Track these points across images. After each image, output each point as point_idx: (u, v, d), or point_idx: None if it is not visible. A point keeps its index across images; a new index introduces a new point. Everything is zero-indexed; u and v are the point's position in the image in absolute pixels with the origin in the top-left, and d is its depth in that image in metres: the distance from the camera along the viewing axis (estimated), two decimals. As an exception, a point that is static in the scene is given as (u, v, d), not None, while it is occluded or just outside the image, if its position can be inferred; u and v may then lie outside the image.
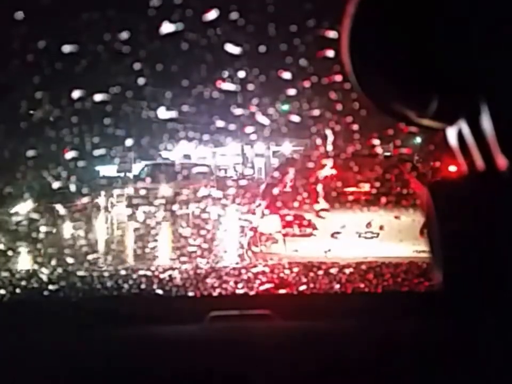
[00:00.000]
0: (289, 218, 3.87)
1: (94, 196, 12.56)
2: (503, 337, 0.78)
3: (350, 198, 3.83)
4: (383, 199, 3.61)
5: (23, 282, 1.30)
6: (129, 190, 13.67)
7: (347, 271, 1.33)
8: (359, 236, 3.19)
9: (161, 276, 1.28)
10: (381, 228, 2.87)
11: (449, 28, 0.57)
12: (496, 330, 0.77)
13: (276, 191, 4.49)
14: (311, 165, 4.66)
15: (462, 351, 0.85)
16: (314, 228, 3.71)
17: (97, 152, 11.10)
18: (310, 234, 3.72)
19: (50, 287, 1.23)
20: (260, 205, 4.42)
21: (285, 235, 3.85)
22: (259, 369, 0.81)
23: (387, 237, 3.33)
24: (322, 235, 3.52)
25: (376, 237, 3.31)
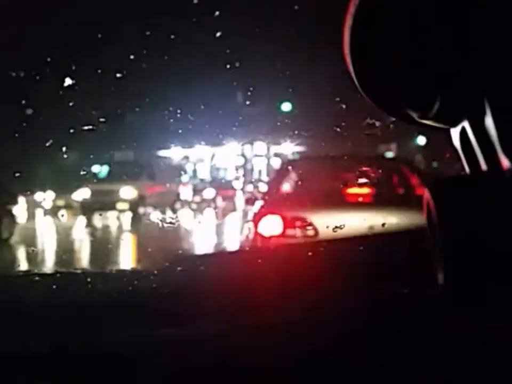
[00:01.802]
0: (290, 220, 3.86)
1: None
2: (506, 339, 0.77)
3: (352, 199, 3.84)
4: (385, 201, 3.60)
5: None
6: (84, 192, 11.13)
7: (349, 273, 1.33)
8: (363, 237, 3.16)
9: (161, 278, 1.28)
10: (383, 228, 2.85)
11: (452, 28, 0.57)
12: (498, 331, 0.77)
13: (277, 192, 4.49)
14: (312, 166, 4.66)
15: (464, 352, 0.84)
16: (316, 230, 3.69)
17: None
18: (311, 236, 3.70)
19: (49, 289, 1.23)
20: (262, 206, 4.41)
21: (285, 237, 3.82)
22: (259, 371, 0.81)
23: None
24: (325, 237, 3.51)
25: None
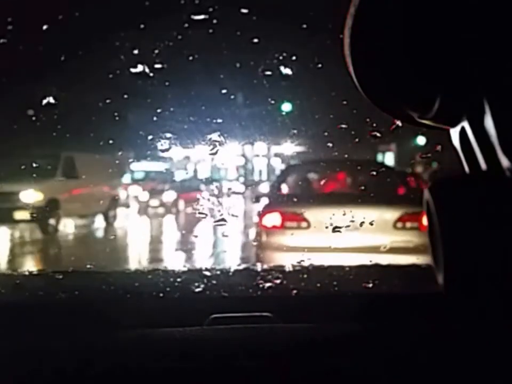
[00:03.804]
0: (288, 215, 4.76)
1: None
2: (506, 339, 0.77)
3: (341, 198, 4.61)
4: (370, 200, 4.25)
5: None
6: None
7: (349, 273, 1.33)
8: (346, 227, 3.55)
9: (162, 277, 1.28)
10: (363, 223, 3.18)
11: (452, 27, 0.57)
12: (499, 332, 0.77)
13: (278, 192, 5.47)
14: (309, 170, 5.69)
15: (464, 353, 0.84)
16: (309, 224, 4.61)
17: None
18: (305, 228, 4.63)
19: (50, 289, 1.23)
20: (266, 204, 5.32)
21: (284, 228, 4.68)
22: (260, 371, 0.81)
23: (367, 231, 3.70)
24: (316, 228, 4.37)
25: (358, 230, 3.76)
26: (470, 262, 0.53)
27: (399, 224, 4.54)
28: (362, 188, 5.01)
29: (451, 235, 0.54)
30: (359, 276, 1.30)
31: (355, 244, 2.17)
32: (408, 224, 4.56)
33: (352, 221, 2.41)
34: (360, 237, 3.45)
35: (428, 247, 0.56)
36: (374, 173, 4.95)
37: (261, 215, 5.07)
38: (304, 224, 4.63)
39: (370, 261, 1.49)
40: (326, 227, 2.32)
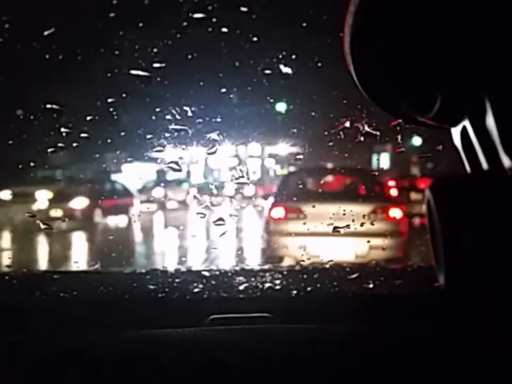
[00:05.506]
0: (290, 209, 6.18)
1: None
2: (506, 338, 0.77)
3: (328, 196, 5.65)
4: (351, 197, 5.91)
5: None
6: None
7: (349, 274, 1.33)
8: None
9: (161, 278, 1.27)
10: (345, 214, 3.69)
11: (452, 27, 0.57)
12: (499, 331, 0.77)
13: (282, 192, 6.92)
14: (307, 175, 7.08)
15: (464, 352, 0.84)
16: (305, 216, 5.83)
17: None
18: (303, 218, 5.80)
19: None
20: (273, 202, 6.73)
21: (287, 219, 6.17)
22: (259, 372, 0.81)
23: (348, 220, 4.29)
24: (311, 219, 5.40)
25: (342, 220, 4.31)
26: (470, 262, 0.53)
27: (372, 215, 6.01)
28: (347, 188, 6.91)
29: (452, 235, 0.54)
30: (359, 276, 1.30)
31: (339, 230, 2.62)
32: (379, 216, 6.02)
33: (344, 214, 3.02)
34: (343, 225, 4.02)
35: (393, 232, 0.58)
36: (356, 177, 6.92)
37: (269, 209, 6.57)
38: (301, 216, 5.99)
39: (371, 261, 1.49)
40: (320, 220, 2.95)
